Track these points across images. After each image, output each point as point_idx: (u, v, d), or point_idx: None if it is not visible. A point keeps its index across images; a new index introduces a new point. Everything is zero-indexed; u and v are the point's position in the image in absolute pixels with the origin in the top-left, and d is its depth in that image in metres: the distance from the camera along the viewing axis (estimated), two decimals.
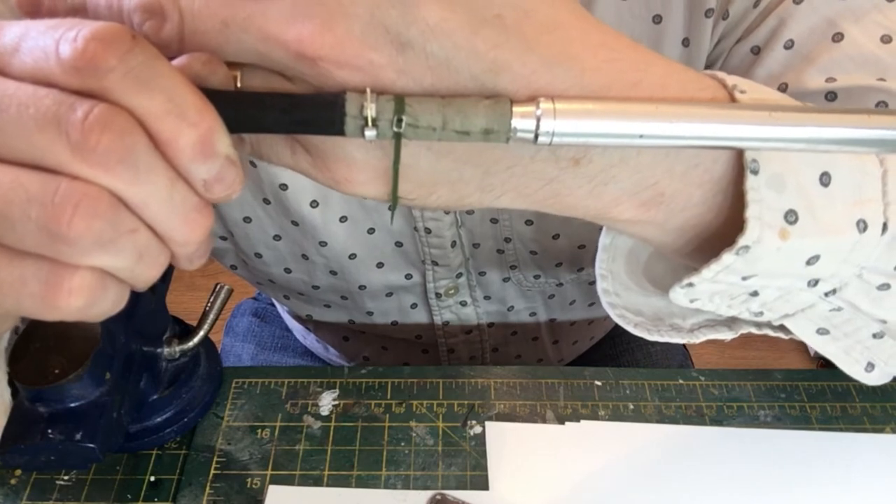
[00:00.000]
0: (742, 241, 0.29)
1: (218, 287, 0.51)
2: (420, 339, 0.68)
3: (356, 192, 0.28)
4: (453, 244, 0.56)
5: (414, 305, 0.64)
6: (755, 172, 0.28)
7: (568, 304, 0.67)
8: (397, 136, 0.25)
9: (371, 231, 0.55)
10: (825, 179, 0.29)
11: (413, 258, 0.58)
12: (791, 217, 0.29)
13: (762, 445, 0.50)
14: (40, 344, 0.42)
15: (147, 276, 0.25)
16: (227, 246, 0.58)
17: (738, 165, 0.29)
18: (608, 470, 0.48)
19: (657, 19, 0.47)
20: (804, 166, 0.29)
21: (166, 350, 0.49)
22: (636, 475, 0.48)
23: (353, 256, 0.57)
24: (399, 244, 0.57)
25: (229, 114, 0.24)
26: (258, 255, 0.58)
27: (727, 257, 0.29)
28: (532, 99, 0.25)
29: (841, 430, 0.51)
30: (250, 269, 0.62)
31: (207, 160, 0.23)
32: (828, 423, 0.51)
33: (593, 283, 0.65)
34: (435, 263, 0.58)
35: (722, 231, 0.31)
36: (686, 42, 0.48)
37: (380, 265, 0.58)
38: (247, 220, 0.55)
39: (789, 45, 0.45)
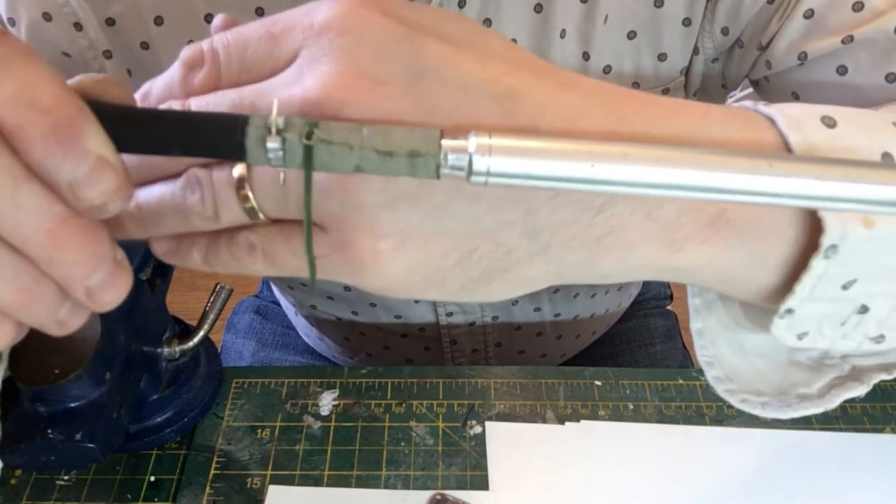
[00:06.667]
0: (826, 240, 0.26)
1: (218, 287, 0.51)
2: (423, 333, 0.68)
3: (383, 271, 0.25)
4: None
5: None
6: None
7: (572, 297, 0.67)
8: (307, 152, 0.22)
9: None
10: (887, 160, 0.27)
11: None
12: None
13: (762, 445, 0.50)
14: (40, 344, 0.42)
15: (10, 300, 0.22)
16: None
17: None
18: (608, 470, 0.48)
19: (658, 3, 0.47)
20: (862, 150, 0.27)
21: (166, 350, 0.49)
22: (636, 475, 0.48)
23: None
24: None
25: (116, 129, 0.22)
26: None
27: (816, 263, 0.26)
28: (466, 131, 0.22)
29: (841, 430, 0.51)
30: None
31: (68, 155, 0.20)
32: (828, 423, 0.51)
33: None
34: None
35: (806, 246, 0.28)
36: (687, 22, 0.48)
37: None
38: None
39: (809, 15, 0.44)
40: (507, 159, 0.22)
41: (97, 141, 0.21)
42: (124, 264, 0.24)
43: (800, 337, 0.30)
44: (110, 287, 0.23)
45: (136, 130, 0.22)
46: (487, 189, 0.24)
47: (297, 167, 0.22)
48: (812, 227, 0.27)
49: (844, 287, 0.28)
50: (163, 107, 0.25)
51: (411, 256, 0.25)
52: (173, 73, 0.26)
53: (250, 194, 0.24)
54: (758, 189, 0.22)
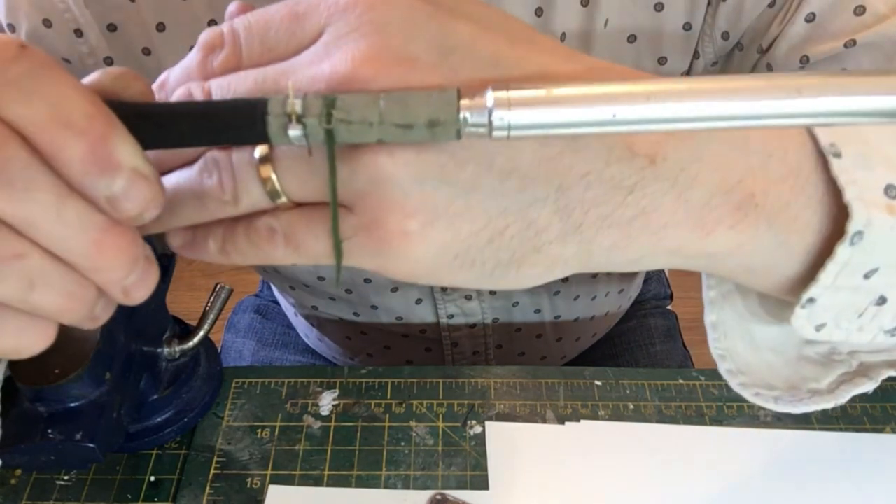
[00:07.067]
0: (852, 227, 0.26)
1: (218, 287, 0.51)
2: (424, 334, 0.68)
3: (411, 253, 0.25)
4: None
5: (419, 301, 0.64)
6: (838, 156, 0.27)
7: (572, 299, 0.67)
8: (328, 135, 0.22)
9: None
10: None
11: None
12: (892, 192, 0.27)
13: (762, 445, 0.50)
14: None
15: (56, 306, 0.23)
16: None
17: (816, 152, 0.28)
18: (608, 470, 0.48)
19: (659, 7, 0.47)
20: (885, 141, 0.27)
21: (166, 350, 0.49)
22: (636, 475, 0.48)
23: None
24: None
25: (141, 127, 0.22)
26: None
27: (842, 250, 0.27)
28: (483, 86, 0.22)
29: (841, 430, 0.51)
30: None
31: (105, 172, 0.21)
32: (828, 423, 0.51)
33: (596, 275, 0.64)
34: None
35: (830, 235, 0.29)
36: (687, 26, 0.48)
37: None
38: None
39: (811, 18, 0.44)
40: (527, 111, 0.22)
41: (129, 154, 0.22)
42: (152, 259, 0.25)
43: (818, 328, 0.30)
44: (143, 284, 0.24)
45: (159, 128, 0.22)
46: (518, 165, 0.24)
47: (320, 144, 0.22)
48: (837, 215, 0.27)
49: (866, 276, 0.28)
50: (181, 90, 0.25)
51: (441, 235, 0.25)
52: (191, 57, 0.25)
53: (273, 175, 0.24)
54: (783, 111, 0.22)
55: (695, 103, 0.22)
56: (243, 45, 0.25)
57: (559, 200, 0.25)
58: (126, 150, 0.21)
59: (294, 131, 0.22)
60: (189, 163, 0.25)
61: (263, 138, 0.22)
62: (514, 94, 0.22)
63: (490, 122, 0.22)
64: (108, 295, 0.24)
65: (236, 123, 0.22)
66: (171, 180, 0.25)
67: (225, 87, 0.24)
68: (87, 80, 0.23)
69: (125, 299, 0.24)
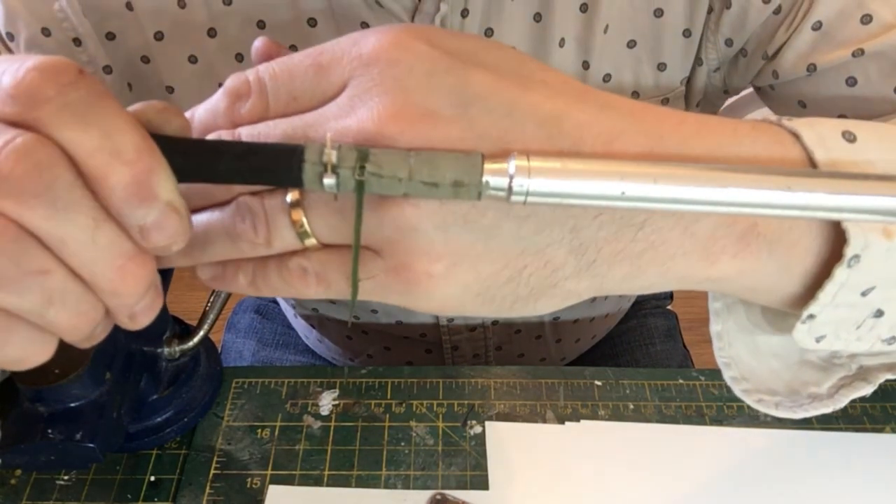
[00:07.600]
0: (849, 251, 0.27)
1: None
2: (424, 338, 0.68)
3: (436, 292, 0.26)
4: None
5: None
6: None
7: None
8: (359, 186, 0.23)
9: None
10: None
11: None
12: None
13: (762, 445, 0.50)
14: None
15: (66, 324, 0.23)
16: None
17: None
18: (608, 470, 0.48)
19: (658, 13, 0.47)
20: (880, 163, 0.28)
21: (166, 350, 0.49)
22: (636, 475, 0.48)
23: None
24: None
25: (180, 161, 0.23)
26: None
27: (840, 272, 0.28)
28: (506, 154, 0.24)
29: (841, 430, 0.51)
30: None
31: (144, 203, 0.22)
32: (828, 423, 0.51)
33: None
34: None
35: (829, 257, 0.30)
36: (687, 33, 0.48)
37: None
38: None
39: (817, 27, 0.45)
40: (544, 180, 0.23)
41: (167, 188, 0.22)
42: (160, 288, 0.25)
43: (818, 340, 0.31)
44: (149, 310, 0.25)
45: (198, 163, 0.23)
46: (535, 209, 0.26)
47: (349, 191, 0.23)
48: (835, 239, 0.29)
49: (863, 293, 0.29)
50: (212, 136, 0.26)
51: (464, 276, 0.26)
52: (217, 102, 0.26)
53: (304, 219, 0.25)
54: (778, 203, 0.24)
55: (694, 189, 0.24)
56: (270, 94, 0.26)
57: (574, 241, 0.27)
58: (165, 185, 0.22)
59: (328, 180, 0.23)
60: (218, 204, 0.26)
61: (297, 183, 0.23)
62: (535, 164, 0.23)
63: (510, 188, 0.23)
64: (116, 318, 0.25)
65: (273, 167, 0.23)
66: (202, 219, 0.26)
67: (255, 136, 0.25)
68: (131, 109, 0.24)
69: (129, 324, 0.25)
